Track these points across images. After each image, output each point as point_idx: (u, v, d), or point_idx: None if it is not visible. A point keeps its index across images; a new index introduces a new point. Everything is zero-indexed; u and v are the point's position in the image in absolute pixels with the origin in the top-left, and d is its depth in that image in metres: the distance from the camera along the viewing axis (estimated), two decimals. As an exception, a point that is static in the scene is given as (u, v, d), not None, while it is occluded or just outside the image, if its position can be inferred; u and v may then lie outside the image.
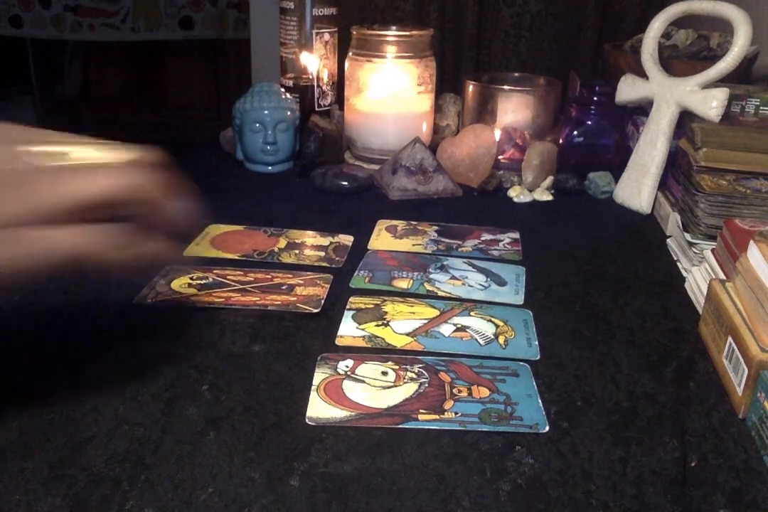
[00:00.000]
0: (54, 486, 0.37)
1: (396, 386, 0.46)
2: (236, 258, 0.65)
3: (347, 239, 0.70)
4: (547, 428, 0.43)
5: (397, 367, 0.49)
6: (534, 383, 0.47)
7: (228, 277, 0.60)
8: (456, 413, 0.44)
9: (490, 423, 0.43)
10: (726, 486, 0.39)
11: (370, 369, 0.48)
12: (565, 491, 0.38)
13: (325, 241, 0.69)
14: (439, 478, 0.39)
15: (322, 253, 0.66)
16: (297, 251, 0.66)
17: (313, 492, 0.37)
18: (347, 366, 0.48)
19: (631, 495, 0.38)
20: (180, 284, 0.59)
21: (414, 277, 0.62)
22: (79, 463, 0.39)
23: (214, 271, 0.61)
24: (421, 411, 0.44)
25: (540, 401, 0.45)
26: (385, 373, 0.48)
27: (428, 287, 0.61)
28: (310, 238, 0.70)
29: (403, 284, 0.61)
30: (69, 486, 0.37)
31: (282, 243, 0.68)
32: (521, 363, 0.50)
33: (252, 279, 0.60)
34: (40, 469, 0.38)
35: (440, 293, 0.60)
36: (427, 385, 0.47)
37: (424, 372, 0.48)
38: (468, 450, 0.41)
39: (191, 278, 0.60)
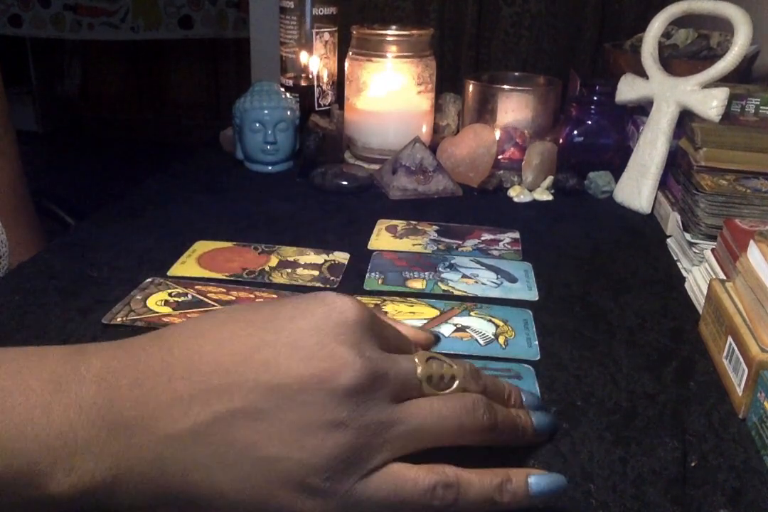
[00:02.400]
0: (54, 486, 0.37)
1: (396, 386, 0.46)
2: (224, 277, 0.60)
3: (343, 257, 0.66)
4: (548, 428, 0.43)
5: (397, 367, 0.48)
6: (536, 385, 0.47)
7: (209, 295, 0.56)
8: (456, 413, 0.44)
9: (490, 423, 0.43)
10: (726, 486, 0.39)
11: (370, 369, 0.48)
12: (564, 491, 0.38)
13: (319, 258, 0.65)
14: (440, 478, 0.38)
15: (316, 272, 0.62)
16: (289, 270, 0.62)
17: (314, 493, 0.37)
18: (347, 367, 0.48)
19: (631, 495, 0.38)
20: (156, 300, 0.55)
21: (426, 277, 0.62)
22: (80, 463, 0.38)
23: (196, 287, 0.58)
24: (422, 411, 0.44)
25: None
26: (385, 373, 0.48)
27: (443, 287, 0.61)
28: (304, 255, 0.65)
29: (417, 284, 0.61)
30: (69, 486, 0.37)
31: (273, 261, 0.64)
32: (525, 365, 0.50)
33: (234, 298, 0.57)
34: (41, 469, 0.38)
35: (456, 292, 0.60)
36: (427, 385, 0.46)
37: (424, 372, 0.48)
38: (468, 449, 0.41)
39: (170, 294, 0.56)
